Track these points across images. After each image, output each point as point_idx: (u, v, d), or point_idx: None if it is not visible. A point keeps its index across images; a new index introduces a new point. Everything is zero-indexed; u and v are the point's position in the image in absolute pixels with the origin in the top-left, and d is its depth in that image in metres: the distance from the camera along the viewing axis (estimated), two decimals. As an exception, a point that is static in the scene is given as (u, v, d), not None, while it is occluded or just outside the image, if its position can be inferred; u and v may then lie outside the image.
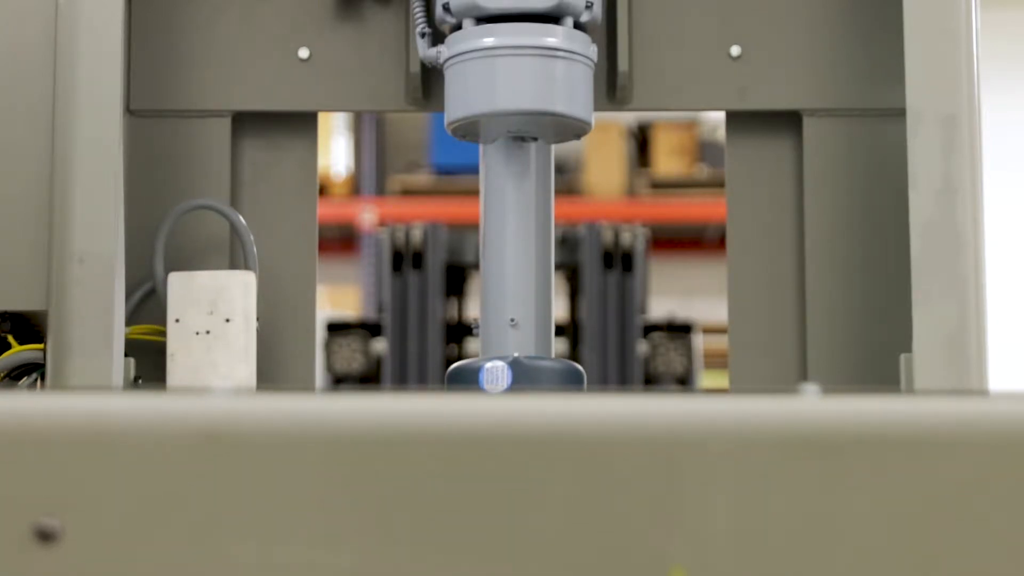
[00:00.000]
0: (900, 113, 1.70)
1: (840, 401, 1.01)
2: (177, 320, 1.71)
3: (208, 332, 1.70)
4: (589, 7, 1.72)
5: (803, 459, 0.98)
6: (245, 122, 1.86)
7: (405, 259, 4.56)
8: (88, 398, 1.04)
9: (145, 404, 1.00)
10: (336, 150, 7.06)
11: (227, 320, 1.70)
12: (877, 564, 0.97)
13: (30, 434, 0.98)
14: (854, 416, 0.99)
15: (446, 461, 0.98)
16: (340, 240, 6.74)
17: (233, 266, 1.81)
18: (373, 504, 0.98)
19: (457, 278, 4.65)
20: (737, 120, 1.89)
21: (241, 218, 1.81)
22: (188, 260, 1.81)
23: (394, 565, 0.97)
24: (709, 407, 1.00)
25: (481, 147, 1.80)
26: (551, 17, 1.71)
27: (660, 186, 6.95)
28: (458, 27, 1.73)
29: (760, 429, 0.99)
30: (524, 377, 1.68)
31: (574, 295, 4.63)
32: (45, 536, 0.96)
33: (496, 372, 1.68)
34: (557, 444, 0.98)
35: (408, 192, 6.96)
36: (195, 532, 0.98)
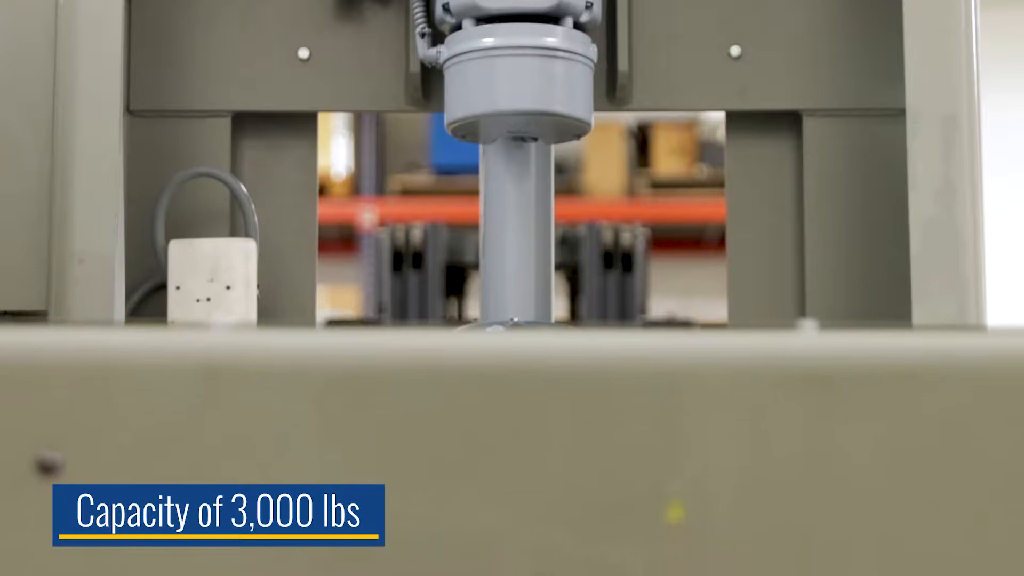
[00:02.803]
0: (900, 113, 1.70)
1: (838, 337, 1.01)
2: (178, 287, 1.72)
3: (209, 299, 1.71)
4: (589, 7, 1.72)
5: (801, 394, 0.98)
6: (245, 122, 1.86)
7: (405, 259, 4.56)
8: (89, 333, 1.05)
9: (146, 338, 1.01)
10: (336, 150, 7.06)
11: (227, 287, 1.71)
12: (876, 497, 0.98)
13: (31, 368, 0.99)
14: (852, 351, 1.00)
15: (446, 397, 0.98)
16: (340, 240, 6.74)
17: (234, 235, 1.81)
18: (372, 439, 0.98)
19: (457, 278, 4.65)
20: (737, 120, 1.89)
21: (242, 186, 1.81)
22: (189, 230, 1.80)
23: (393, 500, 0.98)
24: (707, 343, 1.00)
25: (481, 147, 1.80)
26: (551, 17, 1.71)
27: (660, 186, 6.95)
28: (458, 27, 1.73)
29: (759, 365, 0.99)
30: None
31: (574, 295, 4.63)
32: (46, 469, 0.97)
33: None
34: (555, 380, 0.99)
35: (408, 192, 6.95)
36: (194, 466, 0.98)
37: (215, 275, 1.72)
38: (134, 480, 0.98)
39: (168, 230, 1.78)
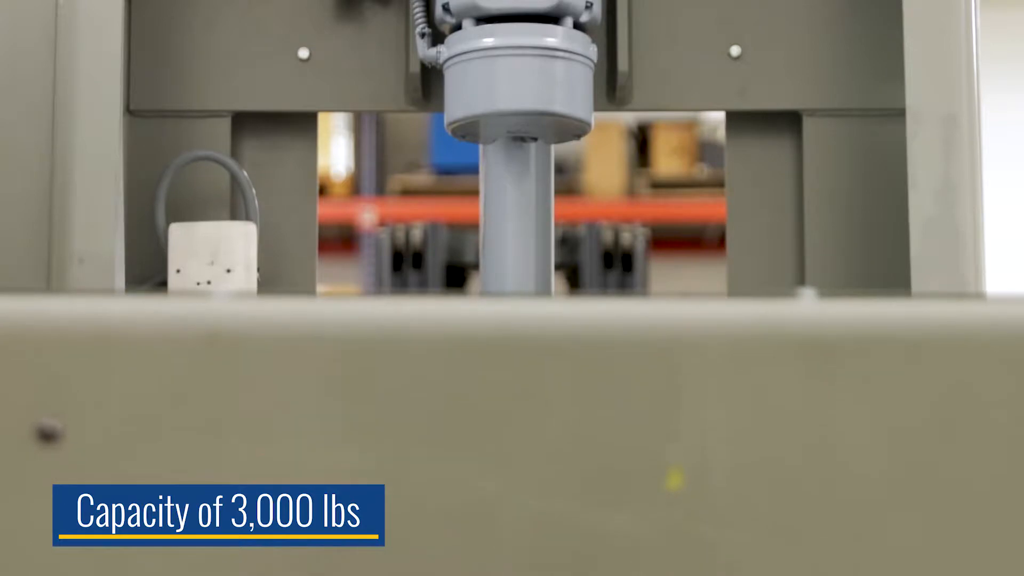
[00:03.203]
0: (900, 113, 1.70)
1: (837, 304, 1.02)
2: (178, 271, 1.72)
3: (209, 282, 1.71)
4: (589, 7, 1.72)
5: (800, 362, 0.99)
6: (245, 122, 1.86)
7: (405, 259, 4.56)
8: (90, 301, 1.05)
9: (147, 307, 1.01)
10: (336, 150, 7.06)
11: (228, 271, 1.71)
12: (875, 464, 0.98)
13: (32, 336, 0.99)
14: (851, 318, 1.00)
15: (446, 364, 0.99)
16: (340, 240, 6.74)
17: (234, 219, 1.82)
18: (373, 406, 0.98)
19: (457, 278, 4.65)
20: (737, 120, 1.89)
21: (242, 170, 1.81)
22: (189, 214, 1.81)
23: (394, 465, 0.98)
24: (707, 310, 1.01)
25: (481, 147, 1.80)
26: (551, 17, 1.71)
27: (660, 186, 6.96)
28: (458, 27, 1.73)
29: (758, 332, 0.99)
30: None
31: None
32: (47, 436, 0.97)
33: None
34: (556, 347, 0.99)
35: (408, 192, 6.96)
36: (195, 433, 0.98)
37: (215, 258, 1.72)
38: (133, 446, 0.98)
39: (168, 214, 1.78)
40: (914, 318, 1.01)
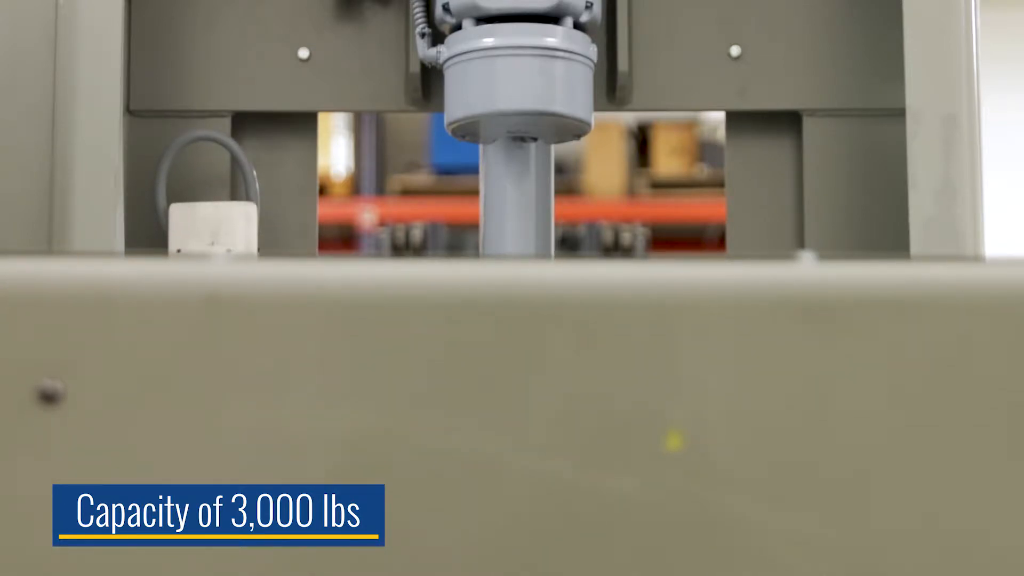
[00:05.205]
0: (900, 113, 1.70)
1: (837, 267, 1.02)
2: (179, 251, 1.72)
3: None
4: (589, 7, 1.72)
5: (800, 324, 0.99)
6: (245, 122, 1.86)
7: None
8: (91, 263, 1.05)
9: (147, 268, 1.01)
10: (336, 150, 7.06)
11: (228, 251, 1.71)
12: (875, 426, 0.99)
13: (33, 297, 0.99)
14: (851, 281, 1.00)
15: (446, 325, 0.99)
16: (340, 240, 6.74)
17: (235, 199, 1.82)
18: (374, 367, 0.99)
19: (457, 278, 4.63)
20: (737, 120, 1.89)
21: (242, 151, 1.81)
22: (190, 195, 1.80)
23: (394, 427, 0.98)
24: (707, 273, 1.01)
25: (481, 147, 1.80)
26: (551, 17, 1.71)
27: (660, 186, 6.95)
28: (458, 27, 1.73)
29: (758, 294, 0.99)
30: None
31: (574, 295, 4.62)
32: (48, 398, 0.97)
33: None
34: (556, 309, 0.99)
35: (408, 192, 6.95)
36: (196, 395, 0.98)
37: (216, 238, 1.72)
38: (133, 407, 0.98)
39: (169, 196, 1.78)
40: (913, 280, 1.01)
